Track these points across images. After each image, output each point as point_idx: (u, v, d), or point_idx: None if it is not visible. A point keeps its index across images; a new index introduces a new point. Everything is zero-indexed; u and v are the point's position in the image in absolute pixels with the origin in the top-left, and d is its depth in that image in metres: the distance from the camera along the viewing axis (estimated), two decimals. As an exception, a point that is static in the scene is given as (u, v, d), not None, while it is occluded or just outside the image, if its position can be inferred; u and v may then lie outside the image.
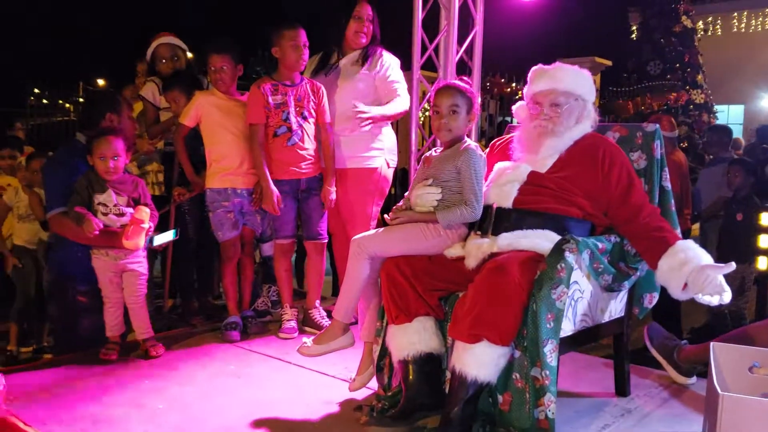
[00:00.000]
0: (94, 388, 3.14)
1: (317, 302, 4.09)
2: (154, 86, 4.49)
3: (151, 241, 3.63)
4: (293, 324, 3.99)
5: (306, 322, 4.05)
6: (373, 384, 3.00)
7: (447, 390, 2.61)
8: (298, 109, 3.81)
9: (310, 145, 3.86)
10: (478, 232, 2.83)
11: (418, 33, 4.88)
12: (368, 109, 3.64)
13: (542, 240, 2.62)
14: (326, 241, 4.05)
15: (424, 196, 2.86)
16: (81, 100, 16.37)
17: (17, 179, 4.79)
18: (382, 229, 2.94)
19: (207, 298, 4.73)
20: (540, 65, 2.93)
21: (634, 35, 17.80)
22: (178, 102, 4.18)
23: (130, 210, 3.49)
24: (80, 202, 3.43)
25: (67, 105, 16.76)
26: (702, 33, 18.64)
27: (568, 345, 2.65)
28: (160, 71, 4.51)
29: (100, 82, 21.54)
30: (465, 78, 3.09)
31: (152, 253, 4.27)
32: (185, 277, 4.60)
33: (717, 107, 17.16)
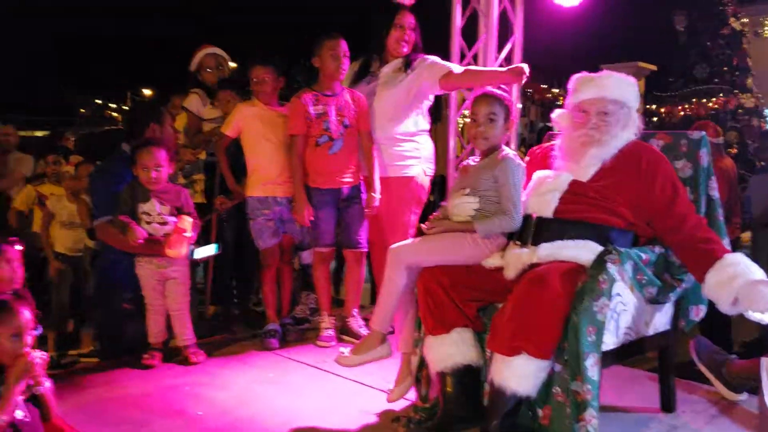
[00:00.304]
0: (136, 394, 3.20)
1: (355, 311, 4.09)
2: (198, 97, 4.57)
3: (192, 253, 3.69)
4: (331, 332, 3.99)
5: (344, 331, 4.06)
6: (411, 395, 2.98)
7: (486, 403, 2.58)
8: (338, 118, 3.83)
9: (351, 154, 3.87)
10: (518, 242, 2.78)
11: (456, 40, 4.85)
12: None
13: (583, 251, 2.56)
14: (365, 250, 4.05)
15: (461, 205, 2.83)
16: (128, 109, 16.80)
17: (62, 188, 4.88)
18: (419, 238, 2.92)
19: (247, 304, 4.78)
20: (585, 73, 2.86)
21: (679, 39, 17.43)
22: (230, 103, 4.25)
23: (173, 219, 3.54)
24: (125, 210, 3.50)
25: (115, 114, 17.21)
26: (751, 35, 18.15)
27: (611, 358, 2.59)
28: (205, 80, 4.60)
29: (147, 92, 22.04)
30: (503, 85, 3.05)
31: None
32: (225, 285, 4.66)
33: (768, 111, 16.65)
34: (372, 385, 3.28)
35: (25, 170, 5.89)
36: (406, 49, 3.86)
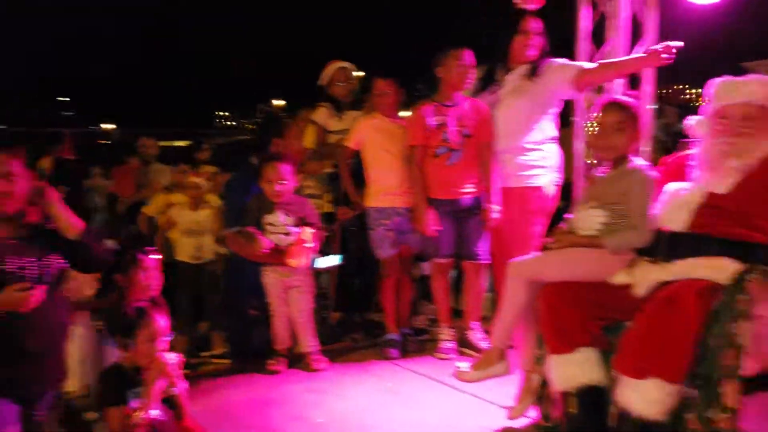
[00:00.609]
0: (261, 399, 3.32)
1: (475, 323, 4.03)
2: (326, 110, 4.70)
3: (315, 262, 3.79)
4: (450, 344, 3.96)
5: (463, 343, 4.01)
6: (532, 413, 2.89)
7: (611, 425, 2.45)
8: (458, 128, 3.80)
9: (471, 165, 3.83)
10: (648, 258, 2.63)
11: (583, 45, 4.67)
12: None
13: (720, 268, 2.37)
14: (485, 262, 3.97)
15: (588, 219, 2.72)
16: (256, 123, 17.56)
17: (186, 196, 5.07)
18: (541, 252, 2.83)
19: (368, 313, 4.84)
20: (727, 77, 2.65)
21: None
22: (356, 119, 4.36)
23: (297, 230, 3.66)
24: (251, 221, 3.67)
25: (248, 126, 18.06)
26: None
27: (754, 385, 2.37)
28: (335, 94, 4.71)
29: (276, 102, 22.99)
30: (631, 92, 2.90)
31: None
32: (348, 293, 4.74)
33: None
34: (492, 401, 3.21)
35: (164, 180, 6.25)
36: (532, 54, 3.76)
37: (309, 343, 3.80)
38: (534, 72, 3.75)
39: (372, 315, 4.91)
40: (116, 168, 6.55)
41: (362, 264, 4.64)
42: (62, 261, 2.42)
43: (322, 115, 4.70)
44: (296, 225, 3.68)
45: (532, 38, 3.74)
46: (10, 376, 2.30)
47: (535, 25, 3.76)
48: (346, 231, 4.54)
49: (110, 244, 4.73)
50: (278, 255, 3.65)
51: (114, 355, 2.70)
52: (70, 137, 6.88)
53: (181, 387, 2.78)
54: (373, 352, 4.05)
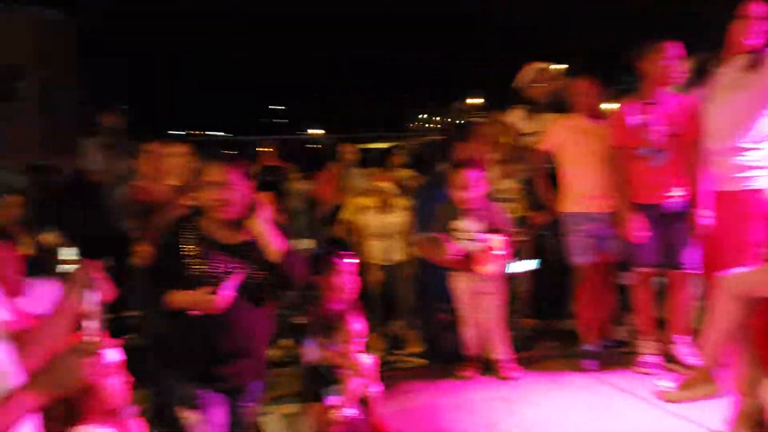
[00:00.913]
0: (451, 404, 3.34)
1: (680, 337, 3.72)
2: (520, 112, 4.63)
3: (508, 268, 3.74)
4: (652, 358, 3.69)
5: (668, 358, 3.72)
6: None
7: None
8: (663, 127, 3.53)
9: (677, 166, 3.54)
10: None
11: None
12: None
13: None
14: (692, 271, 3.65)
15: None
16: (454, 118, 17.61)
17: (376, 200, 5.20)
18: (760, 264, 2.55)
19: (564, 321, 4.68)
20: None
21: None
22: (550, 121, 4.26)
23: (486, 236, 3.63)
24: (439, 227, 3.70)
25: (439, 126, 18.24)
26: None
27: None
28: (533, 95, 4.62)
29: (471, 101, 23.02)
30: None
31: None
32: (542, 299, 4.62)
33: None
34: (701, 422, 2.94)
35: (359, 184, 6.49)
36: (753, 44, 3.39)
37: (500, 350, 3.75)
38: (755, 63, 3.37)
39: (568, 323, 4.74)
40: (318, 173, 6.94)
41: (557, 270, 4.49)
42: (262, 271, 2.51)
43: (515, 117, 4.63)
44: (486, 231, 3.65)
45: (754, 24, 3.37)
46: (209, 371, 2.47)
47: (758, 9, 3.37)
48: (541, 236, 4.43)
49: (310, 244, 5.08)
50: (466, 261, 3.64)
51: (314, 353, 2.86)
52: (276, 144, 7.36)
53: (375, 388, 2.88)
54: (569, 363, 3.89)
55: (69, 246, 1.61)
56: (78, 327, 1.49)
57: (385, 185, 4.85)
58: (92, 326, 1.48)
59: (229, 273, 2.45)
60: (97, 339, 1.46)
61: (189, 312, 2.45)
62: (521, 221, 4.47)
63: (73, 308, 1.52)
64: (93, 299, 1.52)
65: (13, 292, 2.42)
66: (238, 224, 2.53)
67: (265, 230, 2.50)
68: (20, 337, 1.49)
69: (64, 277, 1.60)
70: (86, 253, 1.65)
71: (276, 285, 2.58)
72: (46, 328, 1.55)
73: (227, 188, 2.48)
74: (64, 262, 1.60)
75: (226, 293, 2.39)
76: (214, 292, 2.39)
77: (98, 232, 4.05)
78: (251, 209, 2.52)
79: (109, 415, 2.20)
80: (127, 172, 4.45)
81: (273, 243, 2.49)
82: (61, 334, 1.54)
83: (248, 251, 2.51)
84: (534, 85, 4.58)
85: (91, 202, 4.90)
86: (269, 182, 5.14)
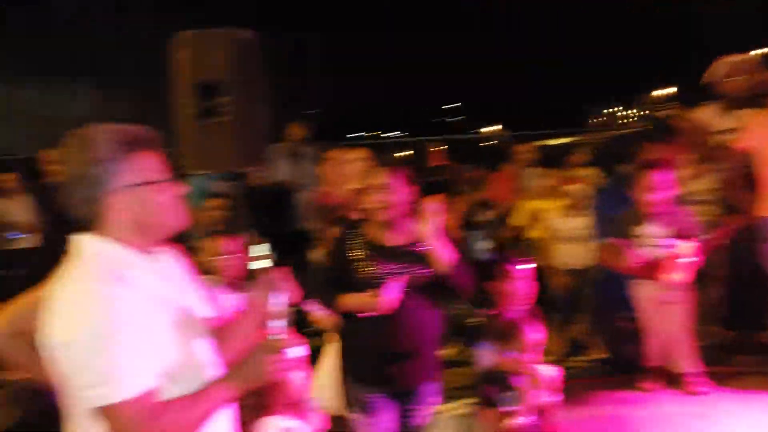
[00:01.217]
0: (628, 417, 3.19)
1: None
2: (712, 109, 4.30)
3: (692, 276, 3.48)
4: None
5: None
6: None
7: None
8: None
9: None
10: None
11: None
12: None
13: None
14: None
15: None
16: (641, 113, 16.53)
17: (560, 202, 5.00)
18: None
19: (762, 333, 4.27)
20: None
21: None
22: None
23: (672, 242, 3.39)
24: (619, 233, 3.52)
25: (625, 120, 17.18)
26: None
27: None
28: (729, 90, 4.27)
29: (657, 93, 21.55)
30: None
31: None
32: (738, 310, 4.25)
33: None
34: None
35: (535, 185, 6.25)
36: None
37: (687, 363, 3.50)
38: None
39: (765, 336, 4.34)
40: (492, 174, 6.84)
41: (753, 279, 4.11)
42: (427, 272, 2.50)
43: (706, 114, 4.30)
44: (673, 237, 3.41)
45: None
46: (378, 373, 2.53)
47: None
48: (737, 242, 4.07)
49: (486, 246, 5.02)
50: (650, 269, 3.44)
51: (489, 359, 2.85)
52: (443, 144, 7.34)
53: (554, 399, 2.82)
54: (766, 380, 3.55)
55: (260, 243, 1.72)
56: (265, 325, 1.62)
57: (573, 187, 4.69)
58: (278, 325, 1.60)
59: (394, 275, 2.49)
60: (282, 337, 1.58)
61: (358, 314, 2.53)
62: (714, 226, 4.15)
63: (260, 309, 1.65)
64: (280, 300, 1.64)
65: (237, 287, 2.67)
66: (401, 227, 2.56)
67: (434, 239, 2.48)
68: (220, 333, 1.66)
69: (256, 273, 1.71)
70: (276, 250, 1.74)
71: (445, 291, 2.58)
72: (238, 326, 1.71)
73: (388, 191, 2.52)
74: (257, 258, 1.71)
75: (391, 295, 2.44)
76: (375, 295, 2.44)
77: (285, 232, 4.35)
78: (416, 212, 2.54)
79: (294, 406, 2.39)
80: (312, 178, 4.74)
81: (441, 254, 2.48)
82: (251, 331, 1.68)
83: (412, 253, 2.52)
84: (730, 80, 4.21)
85: (280, 206, 5.27)
86: (437, 183, 5.16)
